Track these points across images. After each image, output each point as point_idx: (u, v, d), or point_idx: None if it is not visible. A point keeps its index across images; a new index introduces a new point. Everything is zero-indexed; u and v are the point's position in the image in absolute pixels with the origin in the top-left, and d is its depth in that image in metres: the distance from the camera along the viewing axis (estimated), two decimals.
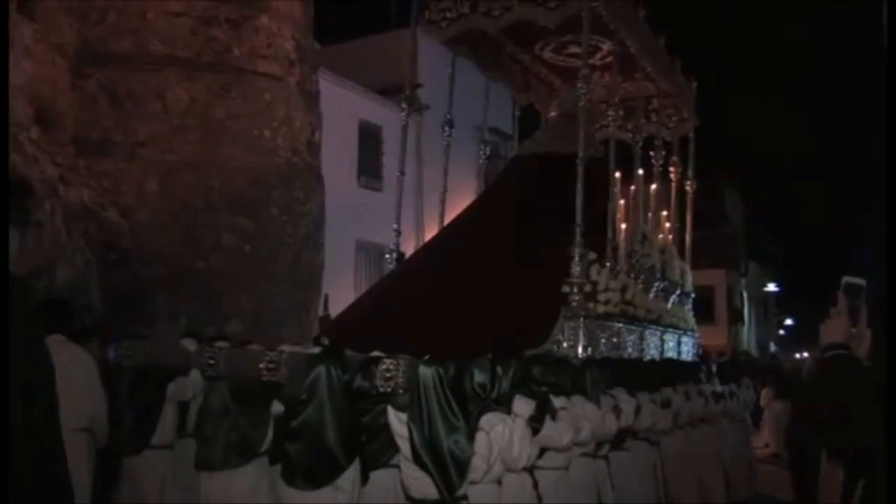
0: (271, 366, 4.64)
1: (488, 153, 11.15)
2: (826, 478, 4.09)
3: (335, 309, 14.41)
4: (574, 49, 8.96)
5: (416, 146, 19.26)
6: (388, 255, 8.73)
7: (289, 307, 8.83)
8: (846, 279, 2.74)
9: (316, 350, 5.12)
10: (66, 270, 6.19)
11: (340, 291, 15.81)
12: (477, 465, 4.21)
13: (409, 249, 8.85)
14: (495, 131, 16.19)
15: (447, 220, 9.34)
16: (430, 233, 9.72)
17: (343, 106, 16.28)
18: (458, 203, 10.29)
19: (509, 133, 19.66)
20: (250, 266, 8.44)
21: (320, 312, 10.77)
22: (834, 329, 2.69)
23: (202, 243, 8.15)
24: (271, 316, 8.49)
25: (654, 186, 9.90)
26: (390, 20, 21.53)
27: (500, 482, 4.48)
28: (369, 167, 18.78)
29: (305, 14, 9.54)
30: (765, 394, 14.85)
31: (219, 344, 5.19)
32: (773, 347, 41.54)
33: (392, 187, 19.14)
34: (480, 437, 4.25)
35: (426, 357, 4.36)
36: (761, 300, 44.74)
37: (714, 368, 9.78)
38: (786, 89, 79.91)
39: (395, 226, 8.75)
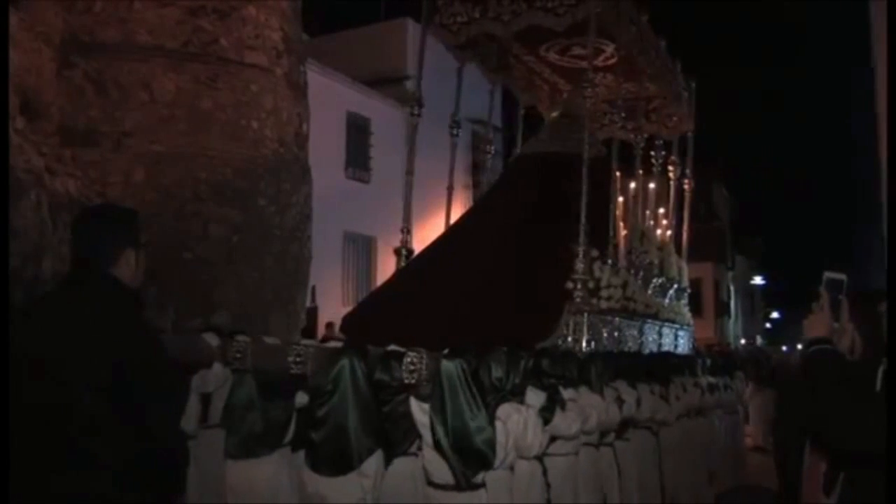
0: (299, 359, 4.96)
1: (492, 151, 11.41)
2: (809, 469, 4.13)
3: (322, 300, 14.44)
4: (578, 51, 9.19)
5: (405, 137, 19.26)
6: (396, 253, 8.88)
7: (276, 298, 8.82)
8: (827, 274, 2.77)
9: (338, 345, 5.39)
10: (52, 262, 6.16)
11: (328, 283, 15.82)
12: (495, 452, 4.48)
13: (398, 238, 9.00)
14: (484, 123, 16.17)
15: (426, 212, 9.50)
16: (422, 224, 9.82)
17: (331, 97, 16.26)
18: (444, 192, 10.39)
19: (497, 125, 19.65)
20: (237, 257, 8.43)
21: (308, 303, 10.78)
22: (816, 324, 2.71)
23: (189, 234, 8.12)
24: (258, 306, 8.49)
25: (652, 185, 10.10)
26: (379, 12, 21.52)
27: (511, 469, 4.72)
28: (357, 159, 18.78)
29: (293, 5, 9.51)
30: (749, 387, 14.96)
31: (240, 338, 5.38)
32: (759, 340, 41.76)
33: (380, 179, 19.20)
34: (497, 426, 4.51)
35: (445, 351, 4.59)
36: (748, 293, 44.99)
37: (708, 361, 10.03)
38: (774, 85, 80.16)
39: (404, 225, 8.93)
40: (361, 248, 18.85)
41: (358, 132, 18.87)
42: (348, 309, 10.65)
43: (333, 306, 15.43)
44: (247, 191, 8.59)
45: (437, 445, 4.41)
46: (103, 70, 8.07)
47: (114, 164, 7.98)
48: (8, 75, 6.26)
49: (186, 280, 7.91)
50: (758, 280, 45.24)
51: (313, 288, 11.59)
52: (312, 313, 12.77)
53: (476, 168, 19.72)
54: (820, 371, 2.64)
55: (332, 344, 5.70)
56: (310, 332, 11.27)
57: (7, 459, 2.61)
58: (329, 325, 13.24)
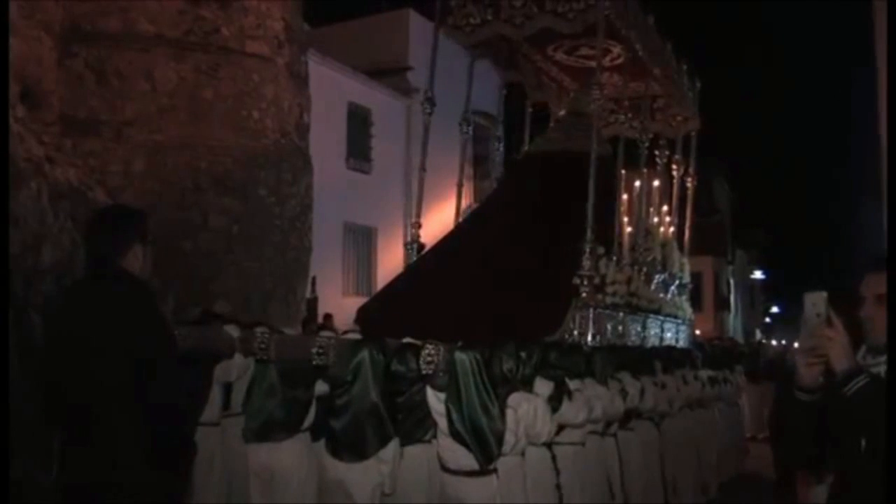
0: (321, 350, 5.15)
1: (500, 148, 11.49)
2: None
3: (322, 290, 14.44)
4: (586, 51, 9.29)
5: (406, 128, 19.24)
6: (407, 247, 8.94)
7: (275, 288, 8.84)
8: (821, 294, 2.56)
9: (358, 337, 5.64)
10: (52, 250, 6.16)
11: (328, 273, 15.80)
12: (506, 438, 4.68)
13: (398, 229, 9.02)
14: (486, 115, 16.16)
15: (429, 204, 9.57)
16: (425, 216, 9.82)
17: (332, 88, 16.22)
18: (447, 184, 10.43)
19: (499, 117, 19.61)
20: (237, 247, 8.44)
21: (308, 294, 10.79)
22: (839, 353, 2.51)
23: (189, 224, 8.13)
24: (258, 296, 8.50)
25: (656, 182, 10.17)
26: (381, 2, 21.45)
27: (523, 455, 4.95)
28: (358, 149, 18.73)
29: None
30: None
31: (261, 329, 5.54)
32: (758, 334, 41.82)
33: (380, 169, 19.16)
34: (509, 414, 4.73)
35: (459, 343, 4.81)
36: (748, 287, 44.99)
37: (709, 355, 10.15)
38: (775, 79, 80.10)
39: (415, 220, 9.00)
40: (361, 239, 18.82)
41: (359, 123, 18.82)
42: (348, 299, 10.67)
43: (333, 297, 15.44)
44: (247, 181, 8.60)
45: (453, 432, 4.59)
46: (104, 59, 8.06)
47: (114, 154, 7.98)
48: (8, 63, 6.25)
49: (186, 270, 7.91)
50: (758, 274, 45.25)
51: (313, 278, 11.59)
52: (313, 304, 12.75)
53: (478, 159, 19.72)
54: (879, 400, 2.42)
55: (351, 336, 5.86)
56: (310, 322, 11.28)
57: (7, 459, 2.76)
58: (328, 317, 13.22)
